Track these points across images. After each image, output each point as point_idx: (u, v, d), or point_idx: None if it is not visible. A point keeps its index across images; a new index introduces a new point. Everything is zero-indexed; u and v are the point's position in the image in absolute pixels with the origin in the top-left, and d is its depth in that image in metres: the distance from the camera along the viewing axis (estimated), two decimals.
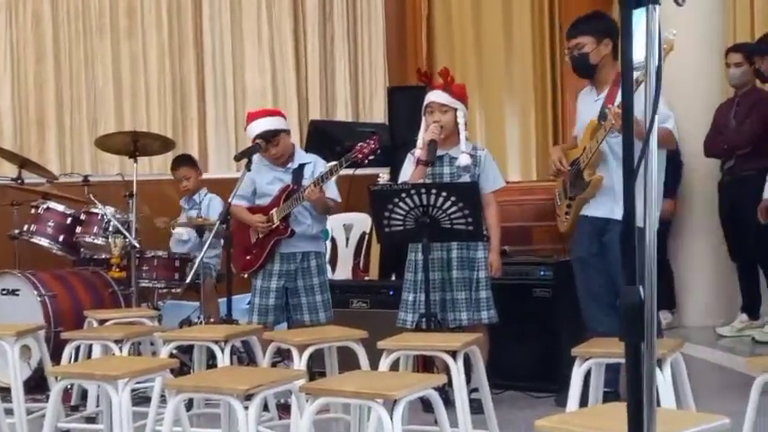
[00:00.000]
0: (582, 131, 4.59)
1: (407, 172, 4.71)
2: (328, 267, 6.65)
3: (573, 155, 4.59)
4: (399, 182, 4.83)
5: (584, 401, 3.34)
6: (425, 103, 4.72)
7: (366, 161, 4.96)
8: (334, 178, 4.94)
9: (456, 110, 4.67)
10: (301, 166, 5.05)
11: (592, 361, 3.31)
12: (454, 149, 4.70)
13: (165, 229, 6.36)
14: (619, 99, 4.23)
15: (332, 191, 5.05)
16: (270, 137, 4.94)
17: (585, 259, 4.60)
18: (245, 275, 5.08)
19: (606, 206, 4.46)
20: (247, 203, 5.08)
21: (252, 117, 5.07)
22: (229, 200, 4.91)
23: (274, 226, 4.95)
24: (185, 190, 6.45)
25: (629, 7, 1.70)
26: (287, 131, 5.06)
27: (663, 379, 3.09)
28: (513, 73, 9.45)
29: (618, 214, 4.41)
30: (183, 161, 6.60)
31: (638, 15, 1.72)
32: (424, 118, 4.74)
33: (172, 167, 6.62)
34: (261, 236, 4.99)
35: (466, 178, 4.62)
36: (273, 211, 4.96)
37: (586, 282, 4.59)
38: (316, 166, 5.04)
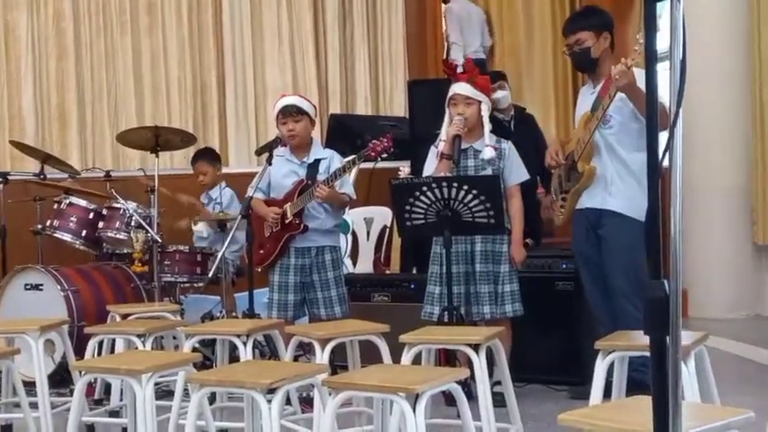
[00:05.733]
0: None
1: (431, 166, 4.70)
2: (349, 261, 6.67)
3: (568, 149, 4.63)
4: (423, 176, 4.81)
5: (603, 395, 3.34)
6: (449, 95, 4.70)
7: (380, 158, 4.97)
8: (348, 175, 4.93)
9: (480, 102, 4.66)
10: (317, 161, 5.03)
11: (615, 354, 3.29)
12: (478, 142, 4.68)
13: (187, 228, 6.38)
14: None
15: (347, 187, 5.04)
16: (294, 111, 4.96)
17: (584, 252, 4.65)
18: (259, 269, 5.08)
19: (598, 197, 4.53)
20: (264, 196, 5.08)
21: (283, 95, 5.19)
22: (248, 194, 4.94)
23: (287, 221, 4.95)
24: (202, 185, 6.47)
25: (652, 1, 1.69)
26: (311, 119, 5.05)
27: (687, 372, 3.07)
28: (534, 67, 9.44)
29: (610, 204, 4.48)
30: (202, 155, 6.62)
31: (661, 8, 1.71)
32: (447, 110, 4.71)
33: (192, 161, 6.64)
34: (274, 230, 4.99)
35: (488, 171, 4.61)
36: (287, 206, 4.95)
37: (588, 275, 4.65)
38: (332, 161, 5.02)
